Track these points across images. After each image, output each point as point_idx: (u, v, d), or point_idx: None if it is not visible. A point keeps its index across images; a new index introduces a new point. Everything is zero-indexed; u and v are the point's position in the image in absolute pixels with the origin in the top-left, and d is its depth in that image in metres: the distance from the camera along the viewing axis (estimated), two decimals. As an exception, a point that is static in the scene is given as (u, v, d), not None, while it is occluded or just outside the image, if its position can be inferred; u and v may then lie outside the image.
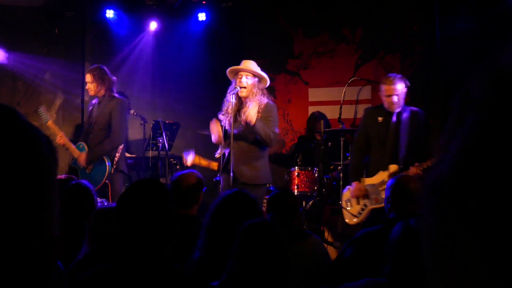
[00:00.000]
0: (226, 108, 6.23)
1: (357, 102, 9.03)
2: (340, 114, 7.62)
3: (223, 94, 6.13)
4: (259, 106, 6.04)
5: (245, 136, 6.07)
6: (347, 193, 6.56)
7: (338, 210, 6.97)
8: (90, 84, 7.16)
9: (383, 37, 9.14)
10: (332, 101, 8.93)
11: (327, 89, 9.32)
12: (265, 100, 6.15)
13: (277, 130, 6.13)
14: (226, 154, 6.13)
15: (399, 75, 6.47)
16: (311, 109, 9.17)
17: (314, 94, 9.45)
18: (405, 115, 6.33)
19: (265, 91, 6.22)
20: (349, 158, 7.30)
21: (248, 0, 9.51)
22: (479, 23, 8.22)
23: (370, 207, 6.35)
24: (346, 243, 4.14)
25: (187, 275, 2.41)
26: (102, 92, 7.17)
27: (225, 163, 6.12)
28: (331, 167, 7.65)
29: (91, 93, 7.26)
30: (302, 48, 9.62)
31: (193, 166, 6.73)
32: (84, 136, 7.36)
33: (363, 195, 6.35)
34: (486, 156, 0.57)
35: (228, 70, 6.34)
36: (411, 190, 4.01)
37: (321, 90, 9.39)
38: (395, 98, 6.28)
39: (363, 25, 9.29)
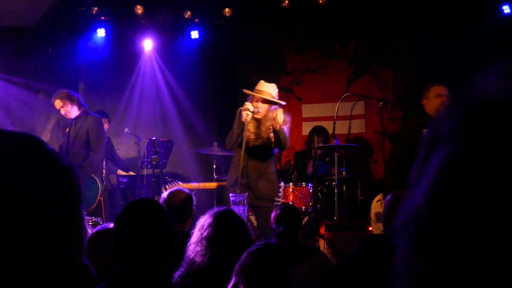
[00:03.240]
0: (240, 123, 6.23)
1: (350, 117, 9.07)
2: (334, 130, 7.65)
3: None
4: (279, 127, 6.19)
5: (259, 152, 6.20)
6: (377, 205, 6.51)
7: (333, 225, 6.97)
8: (63, 109, 7.17)
9: (375, 52, 9.20)
10: (326, 117, 8.97)
11: (320, 105, 9.36)
12: (282, 121, 6.28)
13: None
14: (240, 171, 6.18)
15: None
16: (305, 125, 9.20)
17: (308, 110, 9.48)
18: None
19: (280, 110, 6.31)
20: (343, 173, 7.32)
21: (240, 18, 9.57)
22: (470, 37, 8.29)
23: None
24: (342, 261, 4.16)
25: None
26: (75, 112, 7.20)
27: (239, 178, 6.17)
28: (326, 183, 7.66)
29: (69, 116, 7.23)
30: (294, 64, 9.68)
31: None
32: None
33: None
34: (459, 187, 0.57)
35: (244, 91, 6.37)
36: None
37: (315, 106, 9.43)
38: (445, 98, 5.89)
39: (354, 41, 9.35)
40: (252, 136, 6.21)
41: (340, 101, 8.03)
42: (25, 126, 9.36)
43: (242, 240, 3.18)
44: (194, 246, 3.22)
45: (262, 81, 6.31)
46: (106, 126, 8.91)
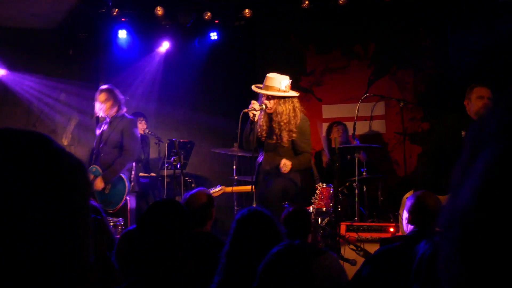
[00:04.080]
0: (253, 121, 6.13)
1: (371, 118, 9.02)
2: (354, 130, 7.61)
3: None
4: (293, 124, 6.02)
5: (273, 149, 6.09)
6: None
7: (354, 226, 6.93)
8: (103, 103, 7.06)
9: (395, 53, 9.15)
10: (346, 118, 8.92)
11: (340, 106, 9.32)
12: (297, 116, 6.08)
13: (310, 146, 6.21)
14: (257, 167, 6.13)
15: None
16: (325, 126, 9.16)
17: (328, 110, 9.45)
18: None
19: (294, 103, 6.12)
20: (364, 173, 7.29)
21: (260, 19, 9.57)
22: (491, 37, 8.21)
23: None
24: (364, 261, 4.13)
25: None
26: (114, 112, 7.14)
27: (256, 176, 6.13)
28: (347, 184, 7.62)
29: (103, 113, 7.13)
30: (314, 65, 9.65)
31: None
32: (95, 157, 7.27)
33: None
34: (510, 187, 0.55)
35: (253, 88, 6.27)
36: (429, 207, 3.97)
37: (335, 106, 9.40)
38: (487, 101, 5.57)
39: (375, 41, 9.31)
40: (264, 133, 6.13)
41: (361, 102, 7.99)
42: (47, 127, 9.44)
43: (267, 239, 3.15)
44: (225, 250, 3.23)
45: (268, 75, 6.13)
46: (142, 125, 8.92)
